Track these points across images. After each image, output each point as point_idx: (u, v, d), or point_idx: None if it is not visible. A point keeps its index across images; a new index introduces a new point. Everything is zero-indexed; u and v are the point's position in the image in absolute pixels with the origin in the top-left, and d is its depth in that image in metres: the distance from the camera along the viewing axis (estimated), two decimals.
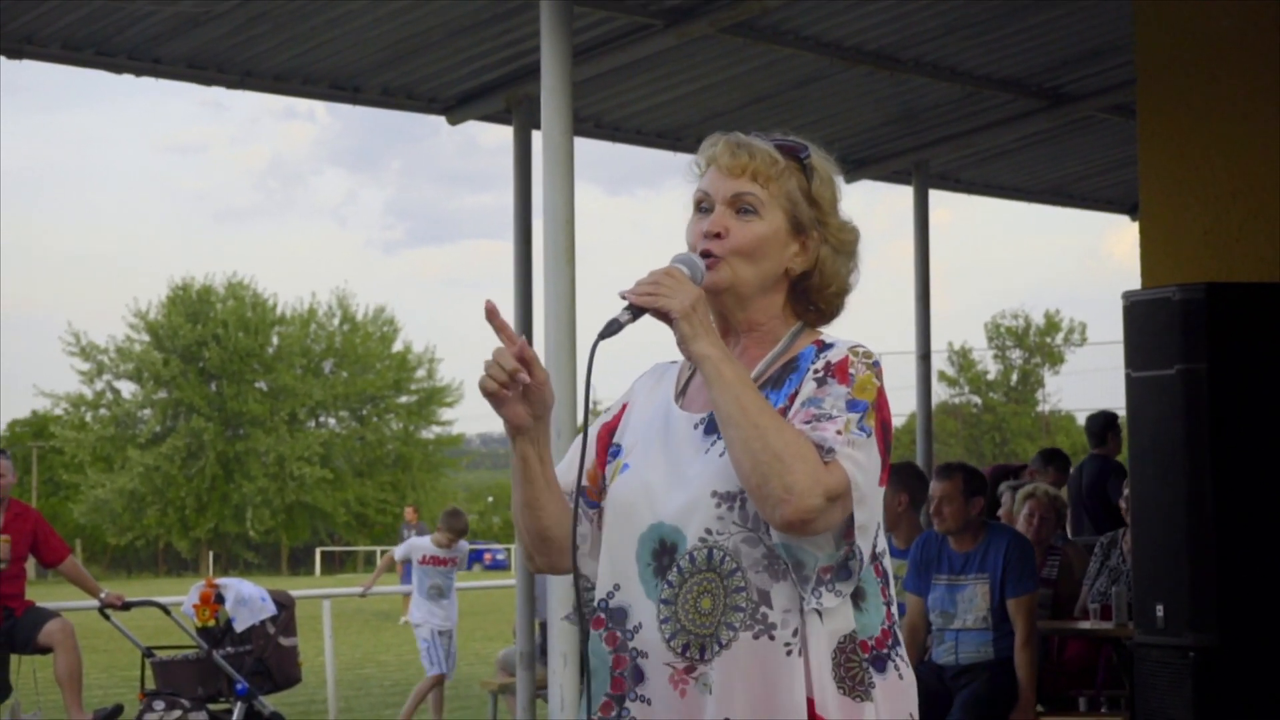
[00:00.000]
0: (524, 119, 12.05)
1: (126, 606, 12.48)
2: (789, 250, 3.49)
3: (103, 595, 12.48)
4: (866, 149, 14.61)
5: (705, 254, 3.45)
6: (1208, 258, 9.51)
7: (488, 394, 3.43)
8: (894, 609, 3.42)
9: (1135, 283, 9.67)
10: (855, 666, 3.30)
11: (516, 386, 3.41)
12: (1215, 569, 8.25)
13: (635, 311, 3.36)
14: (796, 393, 3.38)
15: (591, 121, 12.89)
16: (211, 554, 75.48)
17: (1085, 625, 10.24)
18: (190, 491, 73.08)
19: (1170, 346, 8.42)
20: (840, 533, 3.26)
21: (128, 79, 11.25)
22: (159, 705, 11.80)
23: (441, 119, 12.69)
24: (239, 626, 12.24)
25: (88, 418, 75.93)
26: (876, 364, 3.40)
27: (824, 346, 3.44)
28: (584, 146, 9.95)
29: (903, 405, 62.68)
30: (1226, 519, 8.26)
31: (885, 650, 3.35)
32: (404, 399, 78.34)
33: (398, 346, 78.81)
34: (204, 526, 73.85)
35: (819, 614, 3.28)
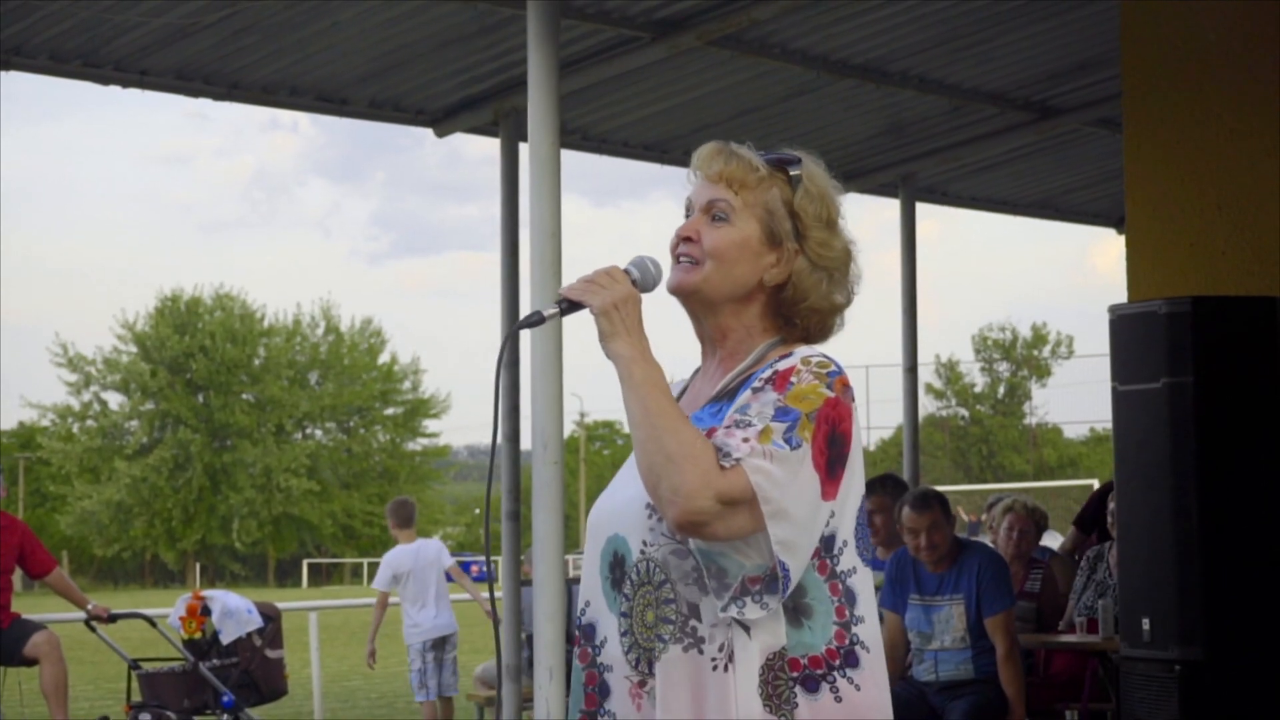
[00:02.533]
0: (511, 131, 12.05)
1: (113, 618, 12.46)
2: (764, 260, 3.44)
3: (89, 607, 12.46)
4: (854, 161, 14.62)
5: (679, 257, 3.46)
6: (1194, 271, 9.52)
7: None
8: (859, 629, 3.34)
9: (1121, 296, 9.68)
10: (781, 684, 3.26)
11: None
12: (1201, 582, 8.24)
13: (564, 305, 3.39)
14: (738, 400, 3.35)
15: (579, 134, 12.89)
16: (198, 565, 75.43)
17: (1072, 639, 10.23)
18: (177, 503, 73.04)
19: (1156, 360, 8.42)
20: (770, 545, 3.21)
21: (113, 91, 11.25)
22: (145, 717, 11.79)
23: (426, 130, 12.68)
24: (225, 639, 12.23)
25: (75, 429, 75.90)
26: (834, 374, 3.33)
27: (784, 357, 3.40)
28: (570, 159, 9.98)
29: (889, 418, 62.62)
30: (1213, 532, 8.26)
31: (823, 671, 3.29)
32: (390, 411, 78.37)
33: (384, 358, 78.82)
34: (191, 538, 73.80)
35: (746, 628, 3.25)
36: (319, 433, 78.70)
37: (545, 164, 8.80)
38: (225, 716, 11.82)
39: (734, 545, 3.21)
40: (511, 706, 11.28)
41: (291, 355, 76.98)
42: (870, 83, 12.26)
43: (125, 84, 11.13)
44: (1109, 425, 9.37)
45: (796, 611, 3.29)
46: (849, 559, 3.35)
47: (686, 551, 3.28)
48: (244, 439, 74.27)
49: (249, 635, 12.34)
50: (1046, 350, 76.77)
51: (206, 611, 12.29)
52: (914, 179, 14.96)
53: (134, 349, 75.00)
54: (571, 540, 46.52)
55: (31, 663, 12.26)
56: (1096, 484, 54.30)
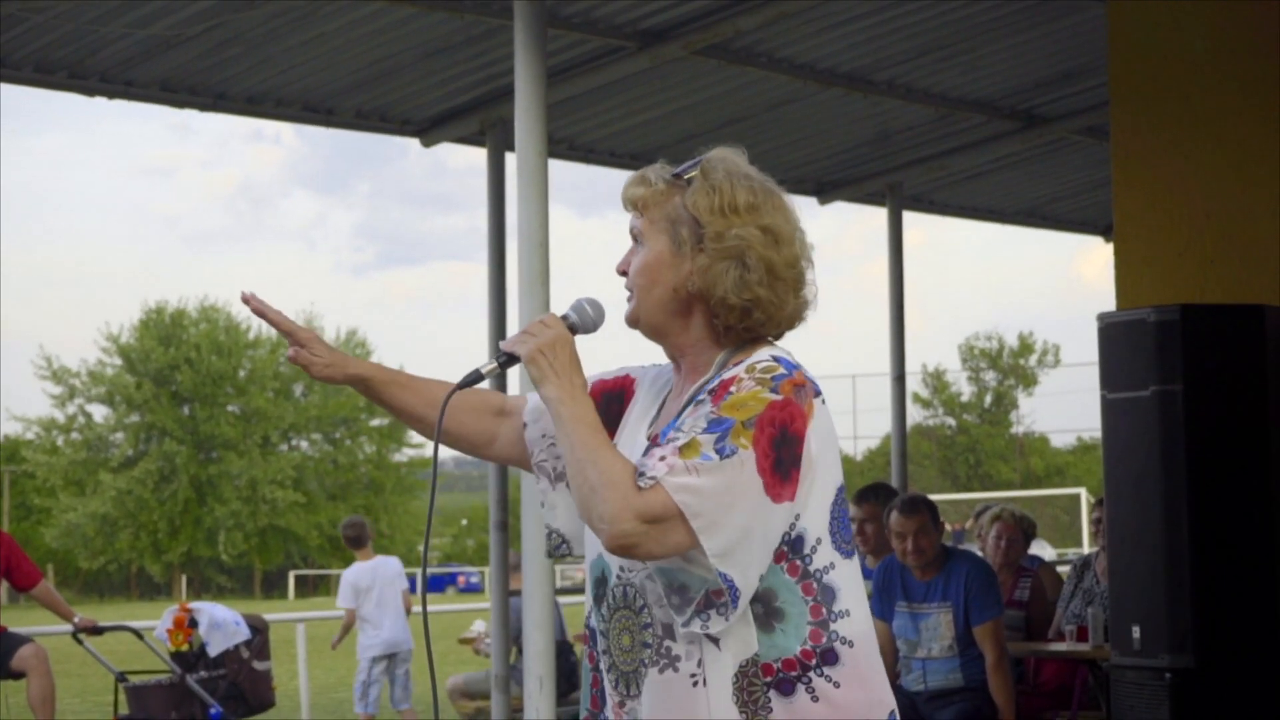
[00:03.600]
0: (497, 141, 12.05)
1: (100, 631, 12.42)
2: (680, 271, 3.45)
3: (76, 620, 12.42)
4: (840, 171, 14.63)
5: (627, 292, 3.53)
6: (1182, 279, 9.53)
7: (302, 365, 3.79)
8: (839, 625, 3.33)
9: (1107, 304, 9.68)
10: (755, 690, 3.28)
11: (307, 352, 3.78)
12: (1191, 591, 8.24)
13: (502, 359, 3.50)
14: None
15: (565, 143, 12.89)
16: (184, 578, 75.30)
17: (1061, 647, 10.23)
18: (163, 515, 72.88)
19: (1145, 368, 8.41)
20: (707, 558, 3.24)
21: (96, 103, 11.23)
22: None
23: (410, 141, 12.68)
24: (212, 651, 12.21)
25: (59, 441, 75.72)
26: (780, 376, 3.31)
27: (735, 365, 3.40)
28: (555, 169, 10.01)
29: (876, 427, 62.67)
30: (1202, 540, 8.25)
31: (797, 673, 3.29)
32: (376, 422, 78.25)
33: None
34: (177, 550, 73.64)
35: (715, 641, 3.28)
36: (304, 444, 78.64)
37: (533, 174, 8.79)
38: None
39: (690, 561, 3.23)
40: (501, 716, 11.26)
41: (276, 367, 76.88)
42: (856, 92, 12.27)
43: (111, 95, 11.12)
44: (1096, 434, 9.39)
45: (768, 616, 3.29)
46: (824, 556, 3.35)
47: (656, 575, 3.32)
48: (229, 451, 74.15)
49: (236, 647, 12.33)
50: (1033, 359, 76.82)
51: (194, 623, 12.27)
52: (900, 188, 14.97)
53: (119, 361, 74.86)
54: None
55: (19, 676, 12.22)
56: (1084, 493, 54.27)
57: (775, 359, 3.37)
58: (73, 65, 10.73)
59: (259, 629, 12.60)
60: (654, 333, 3.52)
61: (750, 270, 3.41)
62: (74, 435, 75.76)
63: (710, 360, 3.46)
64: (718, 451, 3.21)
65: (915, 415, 73.41)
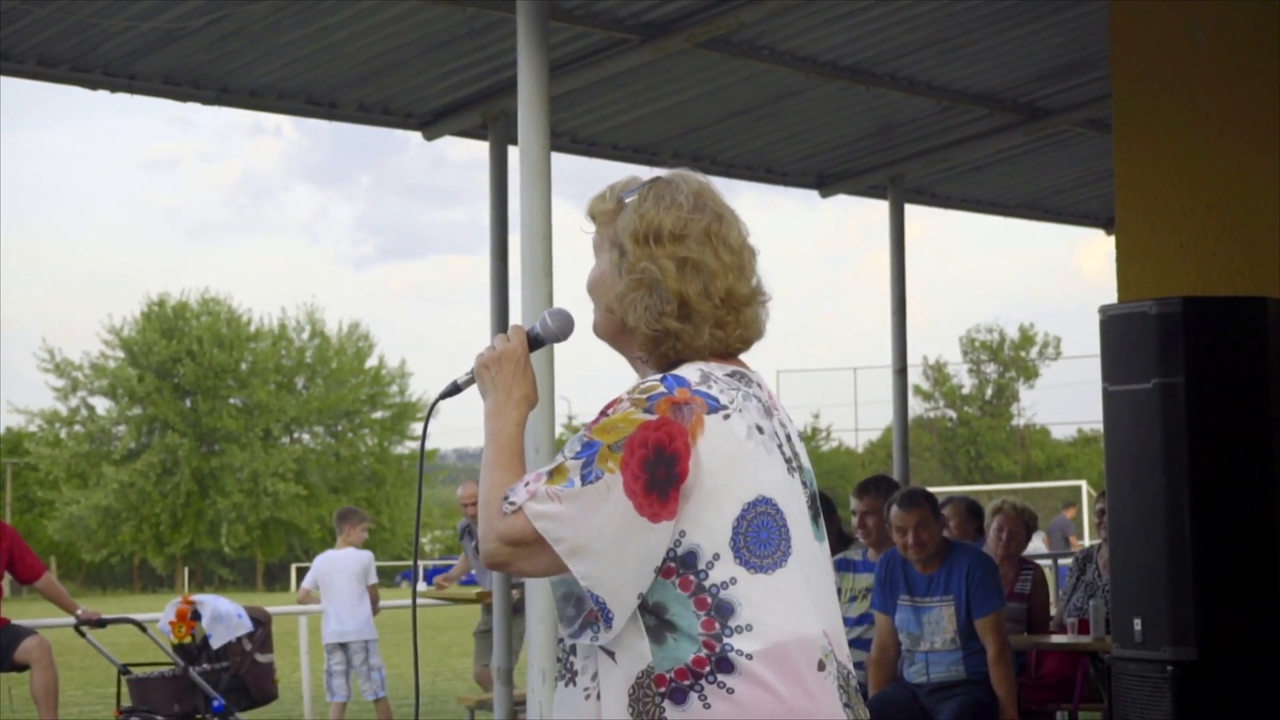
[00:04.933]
0: (500, 134, 12.04)
1: (103, 624, 12.43)
2: (614, 292, 3.53)
3: (79, 612, 12.43)
4: (842, 163, 14.63)
5: None
6: (1184, 271, 9.54)
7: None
8: (735, 639, 3.30)
9: (1107, 297, 9.68)
10: (649, 701, 3.31)
11: None
12: (1193, 583, 8.25)
13: (473, 372, 3.64)
14: None
15: (568, 136, 12.89)
16: (187, 570, 75.23)
17: (1063, 639, 10.24)
18: (165, 508, 72.86)
19: (1147, 360, 8.42)
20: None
21: (97, 96, 11.26)
22: None
23: (410, 134, 12.68)
24: (215, 643, 12.21)
25: (62, 434, 75.68)
26: (657, 396, 3.34)
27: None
28: (555, 161, 9.94)
29: (877, 419, 62.58)
30: (1204, 533, 8.26)
31: (689, 681, 3.29)
32: (378, 414, 78.24)
33: (372, 361, 78.72)
34: (179, 543, 73.62)
35: (611, 654, 3.34)
36: (306, 437, 78.60)
37: (536, 167, 8.79)
38: None
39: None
40: (503, 708, 11.27)
41: (278, 360, 76.84)
42: (859, 84, 12.27)
43: (114, 89, 11.12)
44: (1097, 426, 9.39)
45: (660, 628, 3.32)
46: (723, 571, 3.33)
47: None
48: (232, 443, 74.10)
49: (239, 639, 12.33)
50: (1034, 351, 76.74)
51: (196, 616, 12.27)
52: (902, 180, 14.97)
53: (121, 354, 74.80)
54: None
55: (22, 668, 12.24)
56: (1085, 485, 54.34)
57: (662, 378, 3.39)
58: (75, 59, 10.73)
59: (261, 621, 12.60)
60: (611, 344, 3.60)
61: (661, 301, 3.45)
62: (76, 428, 75.73)
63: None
64: (582, 477, 3.29)
65: (916, 407, 73.35)
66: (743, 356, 3.60)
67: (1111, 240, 10.73)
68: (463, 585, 15.92)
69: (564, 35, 10.69)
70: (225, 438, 74.33)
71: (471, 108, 12.14)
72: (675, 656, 3.30)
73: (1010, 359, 76.80)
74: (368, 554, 14.81)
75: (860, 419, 61.62)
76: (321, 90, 11.76)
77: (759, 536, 3.37)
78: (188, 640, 12.19)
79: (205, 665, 12.09)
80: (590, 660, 3.38)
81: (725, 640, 3.29)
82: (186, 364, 73.43)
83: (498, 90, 11.78)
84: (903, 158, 14.52)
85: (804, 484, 3.55)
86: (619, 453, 3.29)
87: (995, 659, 9.30)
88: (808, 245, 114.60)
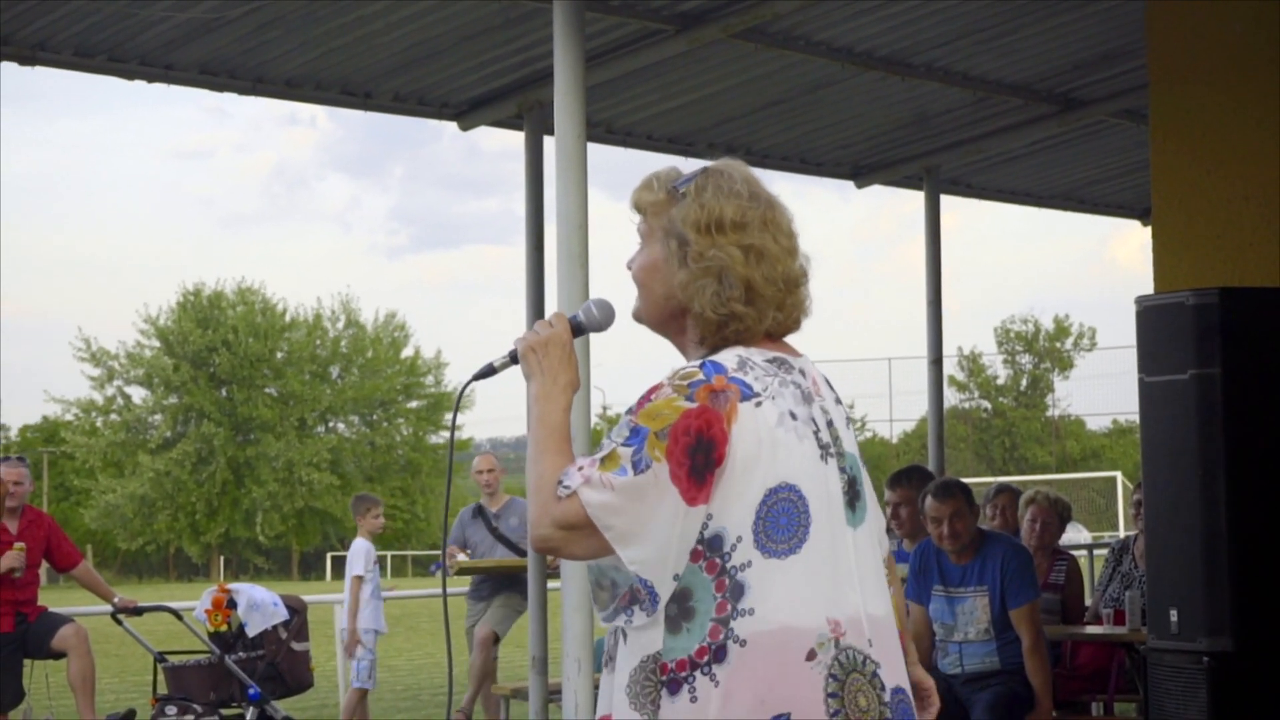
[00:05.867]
0: (535, 124, 12.05)
1: (139, 611, 12.48)
2: (671, 280, 3.65)
3: (115, 600, 12.49)
4: (878, 154, 14.61)
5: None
6: (1221, 262, 9.51)
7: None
8: (739, 623, 3.42)
9: (1142, 287, 9.66)
10: (650, 686, 3.45)
11: None
12: (1229, 574, 8.23)
13: (513, 354, 3.75)
14: None
15: (603, 127, 12.89)
16: (222, 559, 75.55)
17: (1098, 630, 10.23)
18: (201, 496, 73.15)
19: (1183, 351, 8.40)
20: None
21: (132, 87, 11.26)
22: (171, 710, 11.81)
23: (444, 124, 12.70)
24: (251, 631, 12.24)
25: (98, 423, 76.03)
26: (698, 383, 3.48)
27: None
28: (591, 152, 9.92)
29: (912, 410, 62.56)
30: (1240, 524, 8.25)
31: (686, 672, 3.43)
32: (413, 404, 78.42)
33: (407, 352, 78.85)
34: (214, 531, 73.90)
35: (625, 635, 3.50)
36: (341, 426, 78.77)
37: (571, 157, 8.79)
38: (251, 709, 11.84)
39: (617, 560, 3.45)
40: (539, 697, 11.29)
41: (313, 349, 77.01)
42: (894, 75, 12.24)
43: (150, 79, 11.14)
44: (1132, 417, 9.39)
45: (679, 617, 3.45)
46: (744, 552, 3.46)
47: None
48: (267, 433, 74.33)
49: (275, 628, 12.36)
50: (1069, 342, 76.65)
51: (232, 604, 12.31)
52: (938, 171, 14.94)
53: (157, 343, 75.11)
54: None
55: (59, 655, 12.31)
56: (1119, 476, 54.11)
57: (701, 364, 3.54)
58: (112, 49, 10.75)
59: (297, 610, 12.64)
60: (657, 329, 3.74)
61: (729, 287, 3.60)
62: (113, 417, 76.05)
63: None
64: (634, 464, 3.42)
65: (951, 398, 73.24)
66: (791, 339, 3.72)
67: (1147, 231, 10.71)
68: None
69: (600, 25, 10.69)
70: (260, 427, 74.56)
71: (507, 98, 12.14)
72: (684, 647, 3.43)
73: (1045, 350, 76.71)
74: (359, 544, 14.60)
75: (895, 409, 61.48)
76: (357, 80, 11.78)
77: (778, 522, 3.48)
78: (223, 628, 12.23)
79: (241, 653, 12.12)
80: (612, 636, 3.56)
81: (731, 624, 3.42)
82: (222, 353, 73.68)
83: (533, 80, 11.78)
84: (938, 148, 14.49)
85: (842, 469, 3.64)
86: (664, 440, 3.42)
87: (1030, 649, 9.29)
88: (842, 236, 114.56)
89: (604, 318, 3.80)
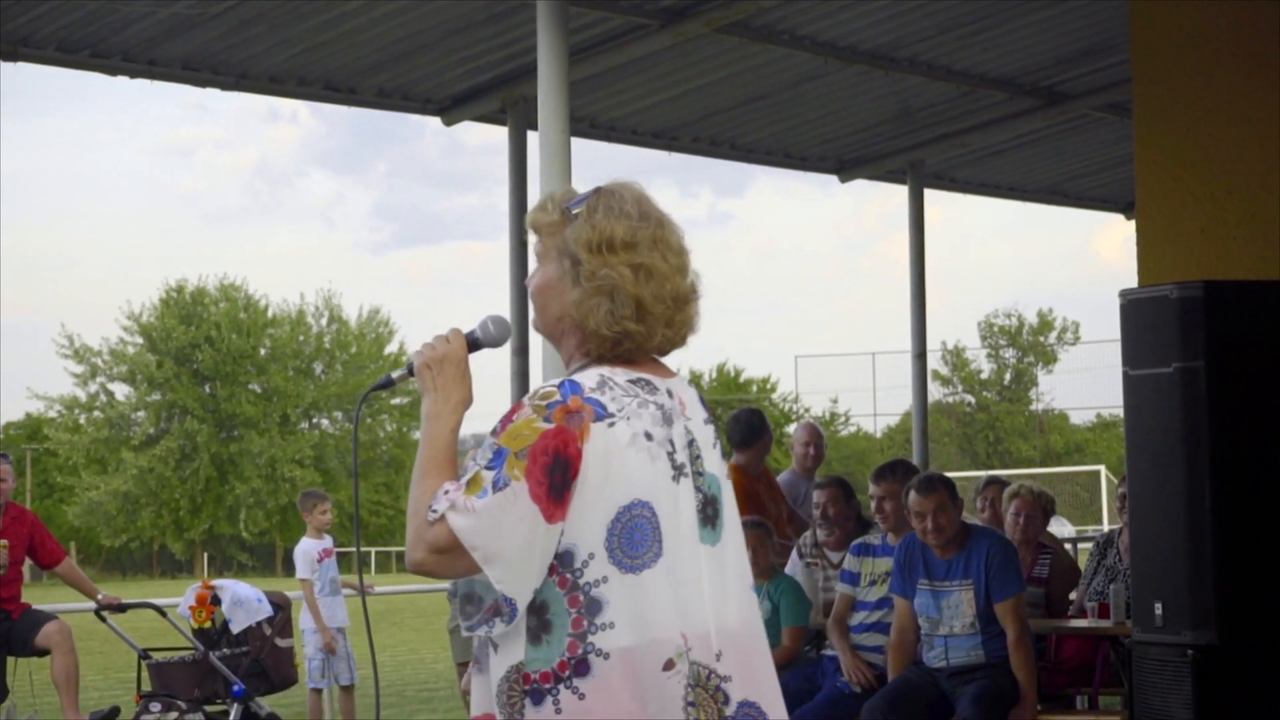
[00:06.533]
0: (519, 119, 12.05)
1: (123, 608, 12.44)
2: (564, 299, 3.74)
3: (99, 597, 12.45)
4: (862, 148, 14.62)
5: None
6: (1205, 255, 9.52)
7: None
8: (598, 637, 3.55)
9: (1126, 281, 9.67)
10: (515, 695, 3.58)
11: None
12: (1214, 567, 8.24)
13: (410, 367, 3.82)
14: None
15: (587, 121, 12.89)
16: (206, 555, 75.47)
17: (1083, 624, 10.23)
18: (184, 493, 73.02)
19: (1168, 344, 8.41)
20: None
21: (114, 83, 11.28)
22: (155, 707, 11.77)
23: (426, 120, 12.70)
24: (235, 628, 12.21)
25: (81, 420, 75.86)
26: (555, 403, 3.59)
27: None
28: (575, 147, 9.93)
29: (896, 405, 62.58)
30: (1225, 517, 8.25)
31: (549, 685, 3.55)
32: (397, 400, 78.34)
33: (391, 348, 78.78)
34: (198, 528, 73.79)
35: (494, 645, 3.61)
36: (325, 422, 78.68)
37: (555, 151, 8.79)
38: (235, 705, 11.80)
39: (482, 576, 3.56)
40: None
41: (296, 345, 76.92)
42: (878, 69, 12.26)
43: (133, 74, 11.13)
44: (1116, 411, 9.39)
45: (539, 629, 3.58)
46: (598, 569, 3.58)
47: None
48: (250, 429, 74.22)
49: (259, 624, 12.33)
50: (1053, 336, 76.68)
51: (216, 601, 12.27)
52: (922, 165, 14.95)
53: (140, 340, 74.94)
54: None
55: (43, 653, 12.27)
56: (1103, 470, 54.17)
57: (560, 384, 3.64)
58: (95, 44, 10.75)
59: (281, 606, 12.61)
60: (553, 345, 3.84)
61: (621, 306, 3.69)
62: (96, 414, 75.90)
63: None
64: (494, 485, 3.53)
65: (935, 392, 73.26)
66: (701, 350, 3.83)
67: (1131, 225, 10.73)
68: None
69: (583, 20, 10.69)
70: (244, 423, 74.46)
71: (491, 93, 12.14)
72: (545, 659, 3.55)
73: (1029, 344, 76.76)
74: (301, 545, 14.46)
75: (879, 404, 61.44)
76: (341, 76, 11.77)
77: (632, 538, 3.60)
78: (208, 625, 12.19)
79: (225, 650, 12.09)
80: (479, 642, 3.67)
81: (590, 639, 3.55)
82: (205, 350, 73.55)
83: (517, 75, 11.79)
84: (922, 142, 14.51)
85: (699, 489, 3.75)
86: (524, 460, 3.54)
87: (1015, 643, 9.29)
88: (826, 230, 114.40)
89: (500, 334, 3.87)
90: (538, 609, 3.56)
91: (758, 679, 3.72)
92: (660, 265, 3.72)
